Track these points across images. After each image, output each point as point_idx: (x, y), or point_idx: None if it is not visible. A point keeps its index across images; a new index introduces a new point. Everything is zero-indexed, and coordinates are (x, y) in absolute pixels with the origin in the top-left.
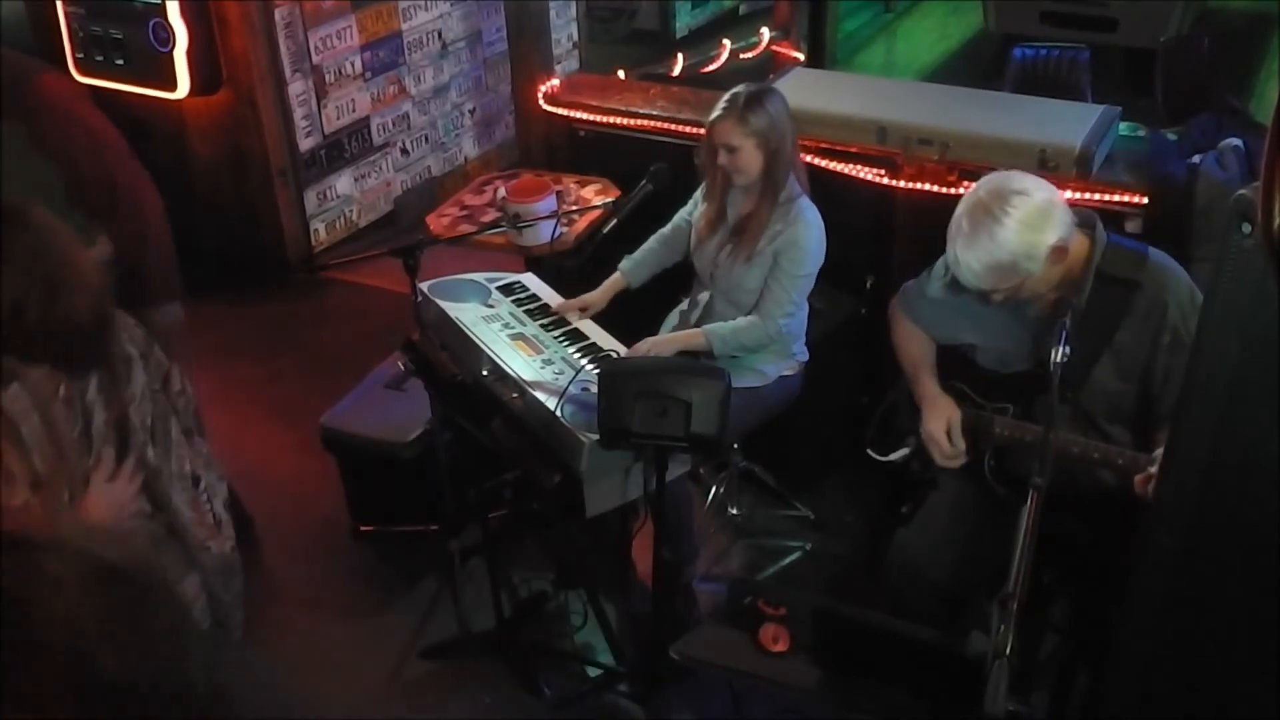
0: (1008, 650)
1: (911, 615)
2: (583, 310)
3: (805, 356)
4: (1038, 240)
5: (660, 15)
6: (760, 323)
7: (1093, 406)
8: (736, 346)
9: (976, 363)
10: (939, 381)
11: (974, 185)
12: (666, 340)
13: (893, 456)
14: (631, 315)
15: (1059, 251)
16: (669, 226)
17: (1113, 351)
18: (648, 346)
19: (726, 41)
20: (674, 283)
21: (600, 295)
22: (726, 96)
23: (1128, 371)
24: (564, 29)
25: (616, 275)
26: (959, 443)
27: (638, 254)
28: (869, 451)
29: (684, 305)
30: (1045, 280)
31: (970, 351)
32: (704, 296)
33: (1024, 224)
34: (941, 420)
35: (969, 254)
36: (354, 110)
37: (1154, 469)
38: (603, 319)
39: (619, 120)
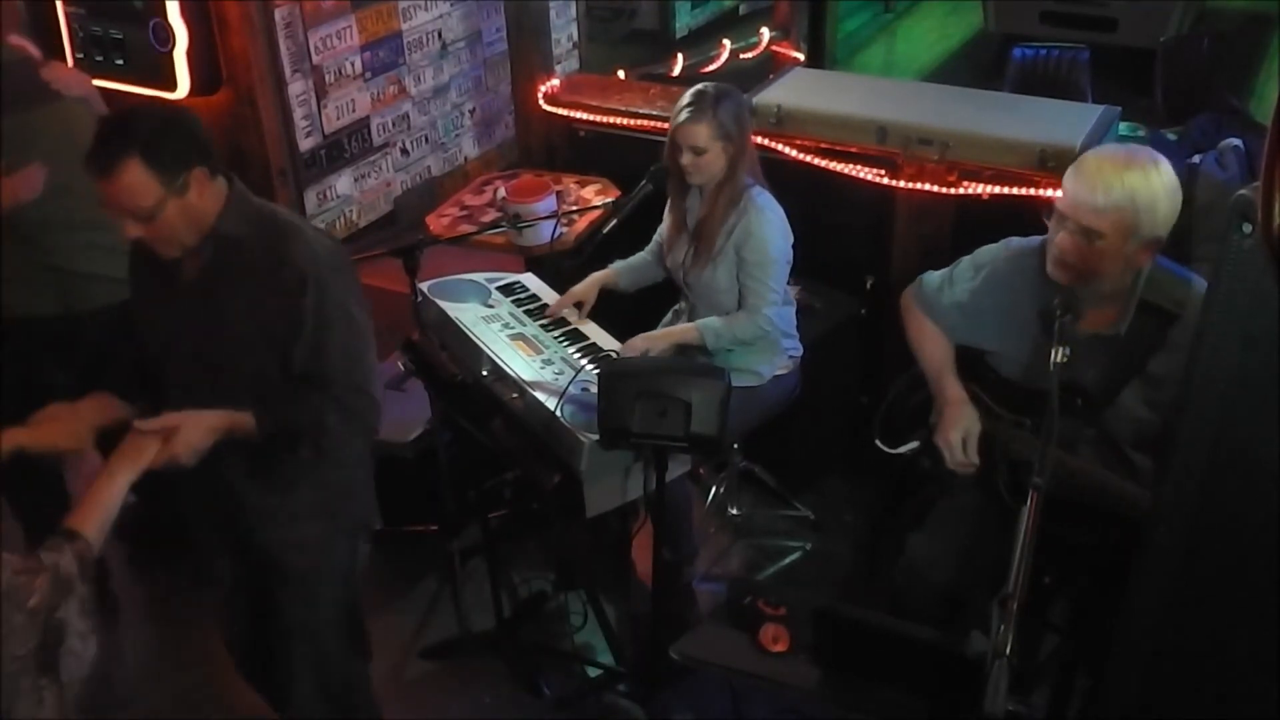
0: (1008, 650)
1: (914, 617)
2: (578, 306)
3: (799, 352)
4: (1163, 208)
5: (660, 15)
6: (750, 316)
7: (1117, 431)
8: (731, 340)
9: (996, 369)
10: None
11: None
12: (661, 335)
13: (902, 449)
14: (631, 317)
15: (1155, 245)
16: (653, 243)
17: (1143, 380)
18: (642, 342)
19: (726, 41)
20: (672, 285)
21: (586, 287)
22: (691, 96)
23: (1157, 401)
24: (564, 29)
25: (607, 270)
26: (973, 456)
27: (632, 258)
28: (877, 443)
29: (668, 316)
30: (1117, 262)
31: (991, 357)
32: (685, 305)
33: (1166, 184)
34: (959, 431)
35: (1115, 171)
36: (354, 110)
37: None
38: (602, 320)
39: (619, 120)
